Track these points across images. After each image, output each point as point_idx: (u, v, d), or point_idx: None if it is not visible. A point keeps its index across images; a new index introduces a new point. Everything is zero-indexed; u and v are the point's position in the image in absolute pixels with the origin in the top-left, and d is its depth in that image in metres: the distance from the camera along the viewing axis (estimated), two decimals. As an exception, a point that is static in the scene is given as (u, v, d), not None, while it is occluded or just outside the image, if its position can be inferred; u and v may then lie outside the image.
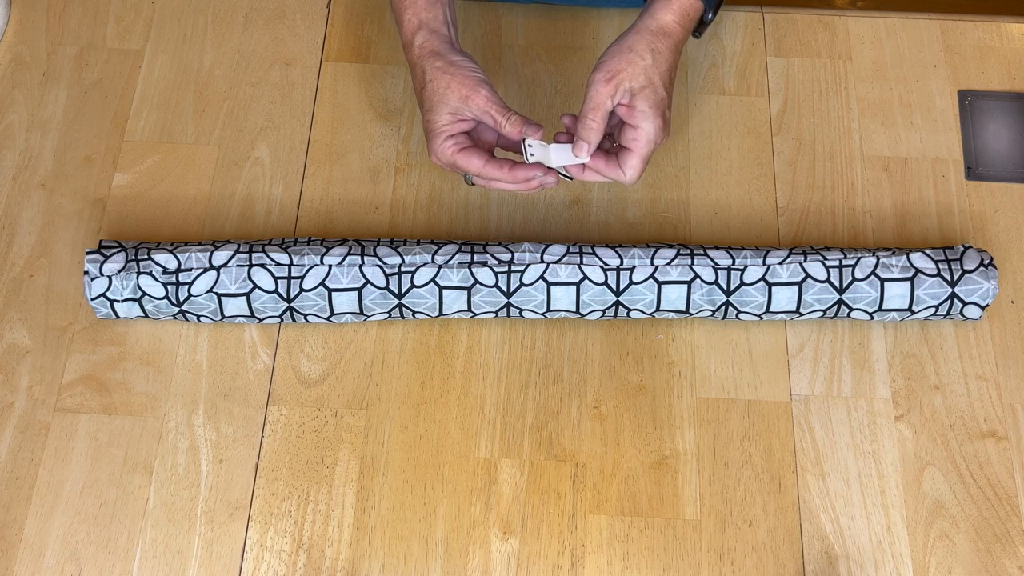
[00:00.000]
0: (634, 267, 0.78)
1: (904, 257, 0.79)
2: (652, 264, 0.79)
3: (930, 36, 0.97)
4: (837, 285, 0.79)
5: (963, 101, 0.93)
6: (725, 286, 0.79)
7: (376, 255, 0.78)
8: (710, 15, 0.75)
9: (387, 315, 0.80)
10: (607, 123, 0.73)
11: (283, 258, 0.78)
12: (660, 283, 0.78)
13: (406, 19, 0.77)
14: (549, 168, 0.75)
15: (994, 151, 0.91)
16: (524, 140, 0.74)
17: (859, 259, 0.79)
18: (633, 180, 0.72)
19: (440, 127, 0.72)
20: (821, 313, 0.80)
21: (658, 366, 0.82)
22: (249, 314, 0.79)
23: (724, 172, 0.90)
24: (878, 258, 0.79)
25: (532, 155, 0.74)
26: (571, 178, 0.76)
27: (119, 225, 0.87)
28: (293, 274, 0.78)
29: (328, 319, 0.80)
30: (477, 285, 0.78)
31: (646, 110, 0.70)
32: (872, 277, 0.79)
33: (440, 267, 0.78)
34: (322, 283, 0.78)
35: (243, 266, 0.78)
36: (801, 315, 0.80)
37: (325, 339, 0.83)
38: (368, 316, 0.80)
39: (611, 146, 0.75)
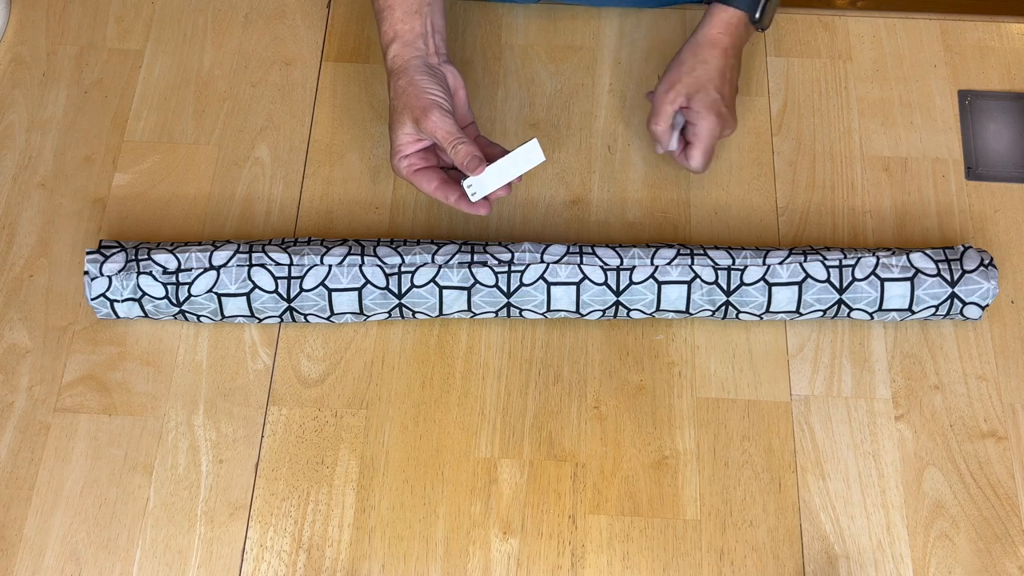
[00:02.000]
0: (634, 267, 0.78)
1: (904, 257, 0.79)
2: (652, 264, 0.79)
3: (930, 36, 0.97)
4: (837, 285, 0.79)
5: (963, 101, 0.93)
6: (725, 286, 0.79)
7: (376, 255, 0.78)
8: (757, 15, 0.83)
9: (387, 315, 0.80)
10: (673, 122, 0.84)
11: (283, 258, 0.78)
12: (660, 283, 0.78)
13: (382, 30, 0.79)
14: (497, 188, 0.77)
15: (994, 151, 0.91)
16: (463, 182, 0.76)
17: (859, 259, 0.79)
18: (699, 167, 0.83)
19: (398, 145, 0.76)
20: (821, 313, 0.80)
21: (658, 366, 0.82)
22: (249, 314, 0.79)
23: (724, 172, 0.90)
24: (878, 258, 0.79)
25: (473, 193, 0.77)
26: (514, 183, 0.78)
27: (119, 225, 0.87)
28: (293, 274, 0.78)
29: (328, 319, 0.80)
30: (477, 285, 0.78)
31: (700, 110, 0.82)
32: (872, 277, 0.79)
33: (440, 267, 0.78)
34: (322, 283, 0.78)
35: (243, 266, 0.78)
36: (801, 315, 0.80)
37: (325, 339, 0.83)
38: (368, 316, 0.80)
39: (683, 145, 0.85)
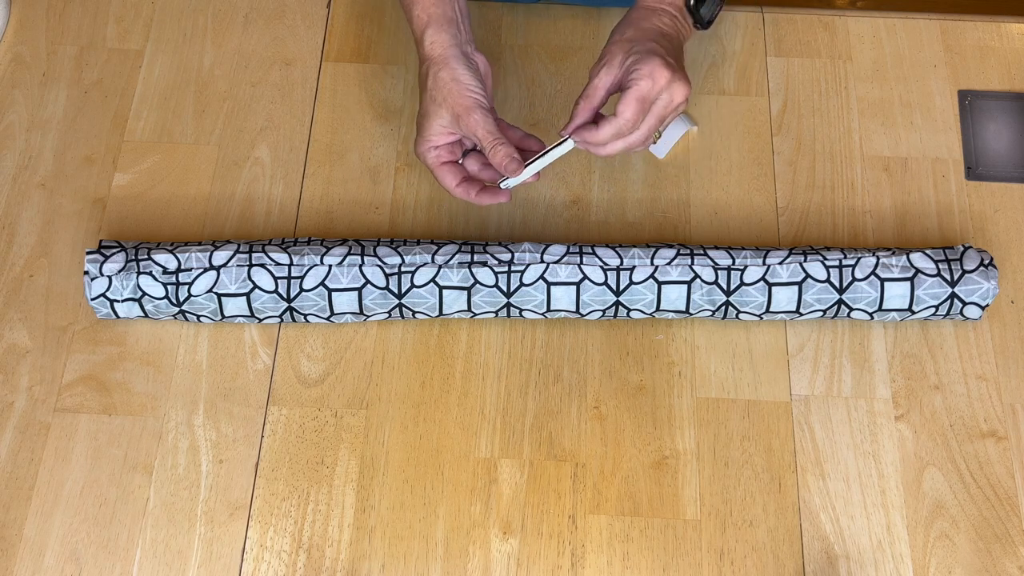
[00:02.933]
0: (634, 267, 0.78)
1: (904, 257, 0.79)
2: (652, 264, 0.79)
3: (930, 36, 0.97)
4: (837, 285, 0.79)
5: (963, 101, 0.93)
6: (725, 286, 0.79)
7: (376, 255, 0.78)
8: (691, 0, 0.75)
9: (387, 315, 0.80)
10: (601, 104, 0.73)
11: (283, 258, 0.78)
12: (660, 283, 0.78)
13: (415, 15, 0.76)
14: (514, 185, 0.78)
15: (994, 151, 0.91)
16: (500, 182, 0.77)
17: (859, 259, 0.79)
18: (627, 123, 0.69)
19: (429, 134, 0.74)
20: (821, 313, 0.80)
21: (658, 366, 0.82)
22: (249, 314, 0.79)
23: (724, 172, 0.90)
24: (878, 258, 0.79)
25: (506, 185, 0.77)
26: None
27: (119, 225, 0.87)
28: (293, 274, 0.78)
29: (328, 319, 0.80)
30: (477, 285, 0.78)
31: (638, 61, 0.69)
32: (872, 277, 0.79)
33: (440, 267, 0.78)
34: (322, 283, 0.78)
35: (243, 266, 0.78)
36: (801, 315, 0.80)
37: (325, 339, 0.83)
38: (368, 316, 0.80)
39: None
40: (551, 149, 0.77)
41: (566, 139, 0.76)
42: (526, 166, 0.75)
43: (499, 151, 0.73)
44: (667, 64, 0.69)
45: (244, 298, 0.78)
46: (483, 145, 0.74)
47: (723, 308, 0.80)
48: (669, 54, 0.70)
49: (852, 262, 0.79)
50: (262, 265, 0.78)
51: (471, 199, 0.77)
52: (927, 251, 0.80)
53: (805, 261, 0.79)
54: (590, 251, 0.79)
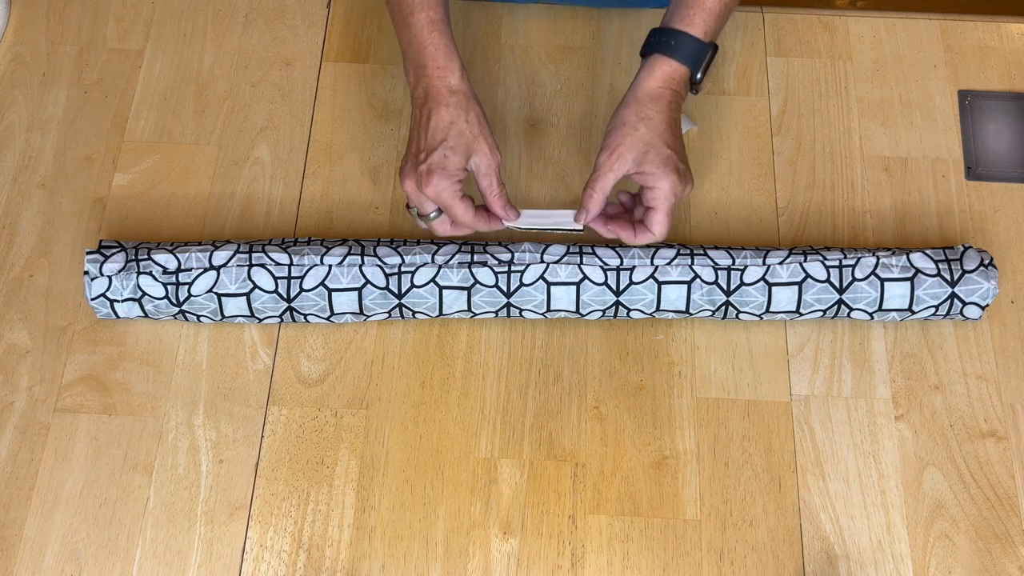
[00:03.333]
0: (634, 267, 0.78)
1: (904, 257, 0.79)
2: (652, 264, 0.79)
3: (930, 36, 0.97)
4: (837, 285, 0.79)
5: (963, 101, 0.93)
6: (725, 286, 0.79)
7: (376, 255, 0.78)
8: (699, 75, 0.75)
9: (387, 315, 0.80)
10: (611, 192, 0.76)
11: (283, 258, 0.78)
12: (660, 283, 0.78)
13: (441, 43, 0.73)
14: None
15: (994, 151, 0.91)
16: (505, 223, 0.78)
17: (859, 259, 0.79)
18: (663, 235, 0.75)
19: (454, 169, 0.72)
20: (821, 313, 0.80)
21: (658, 366, 0.82)
22: (249, 314, 0.79)
23: (724, 172, 0.90)
24: (878, 258, 0.79)
25: (511, 225, 0.79)
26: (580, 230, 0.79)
27: (119, 225, 0.87)
28: (293, 274, 0.78)
29: (328, 319, 0.80)
30: (477, 285, 0.78)
31: (655, 171, 0.73)
32: (872, 277, 0.78)
33: (440, 267, 0.78)
34: (322, 283, 0.78)
35: (243, 266, 0.78)
36: (801, 315, 0.80)
37: (325, 339, 0.83)
38: (368, 316, 0.80)
39: (643, 213, 0.77)
40: (558, 218, 0.78)
41: (579, 227, 0.77)
42: (523, 215, 0.77)
43: (503, 200, 0.75)
44: (681, 176, 0.73)
45: (244, 298, 0.78)
46: (492, 188, 0.74)
47: (723, 308, 0.80)
48: (679, 151, 0.74)
49: (852, 262, 0.79)
50: (262, 265, 0.78)
51: (482, 227, 0.76)
52: (927, 251, 0.80)
53: (805, 261, 0.79)
54: (590, 251, 0.79)
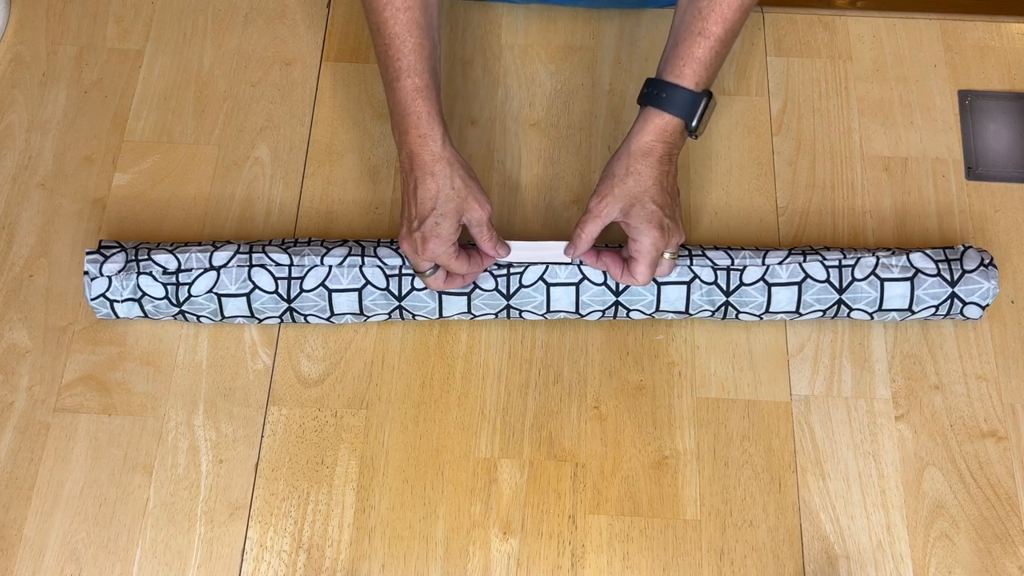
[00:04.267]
0: None
1: (904, 257, 0.79)
2: (652, 264, 0.79)
3: (930, 36, 0.97)
4: (837, 285, 0.79)
5: (963, 101, 0.93)
6: (724, 286, 0.79)
7: (377, 256, 0.78)
8: (694, 123, 0.75)
9: (387, 316, 0.80)
10: (600, 234, 0.77)
11: (283, 258, 0.78)
12: (659, 283, 0.78)
13: (424, 111, 0.74)
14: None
15: (994, 151, 0.91)
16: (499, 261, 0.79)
17: (859, 259, 0.79)
18: (644, 283, 0.76)
19: (448, 234, 0.74)
20: (821, 313, 0.80)
21: (658, 366, 0.82)
22: (249, 314, 0.79)
23: (724, 172, 0.90)
24: (878, 258, 0.79)
25: (503, 262, 0.79)
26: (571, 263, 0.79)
27: (119, 225, 0.87)
28: (293, 275, 0.78)
29: (328, 320, 0.80)
30: (477, 289, 0.78)
31: (639, 225, 0.74)
32: (872, 277, 0.78)
33: None
34: (322, 284, 0.78)
35: (243, 266, 0.78)
36: (801, 315, 0.80)
37: (325, 339, 0.83)
38: (368, 317, 0.80)
39: (626, 256, 0.77)
40: (548, 251, 0.78)
41: (568, 260, 0.78)
42: (513, 249, 0.78)
43: (495, 238, 0.76)
44: (664, 231, 0.74)
45: (244, 298, 0.78)
46: (485, 234, 0.76)
47: (723, 308, 0.80)
48: (666, 206, 0.75)
49: (852, 262, 0.79)
50: (262, 266, 0.78)
51: (478, 270, 0.77)
52: (927, 251, 0.80)
53: (804, 261, 0.79)
54: (590, 251, 0.79)
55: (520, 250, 0.78)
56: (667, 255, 0.76)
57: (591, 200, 0.76)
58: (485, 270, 0.78)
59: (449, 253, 0.74)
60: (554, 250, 0.78)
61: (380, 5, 0.75)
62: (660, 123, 0.74)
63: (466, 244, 0.78)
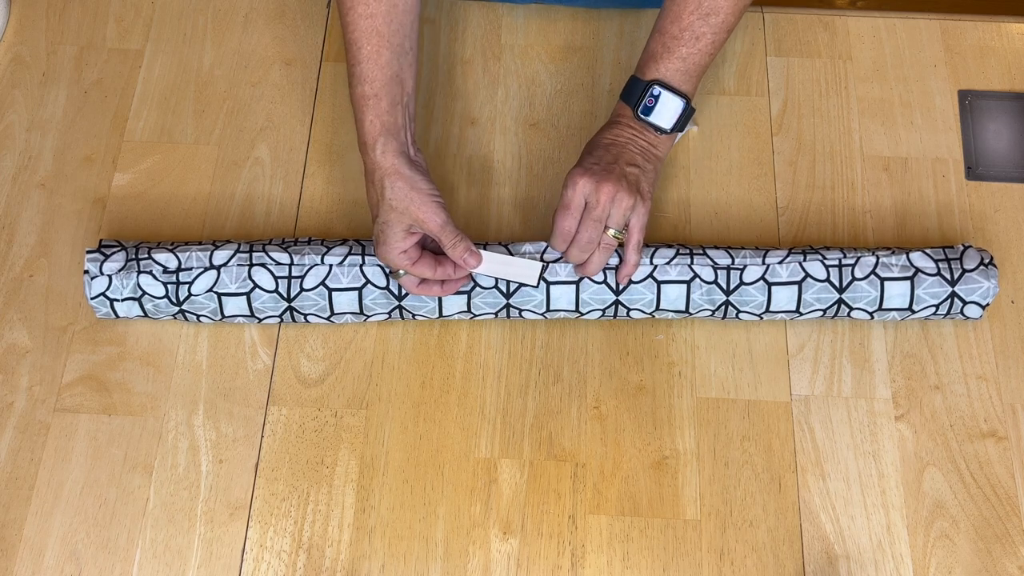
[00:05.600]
0: None
1: (904, 256, 0.79)
2: (651, 263, 0.78)
3: (930, 36, 0.97)
4: (837, 284, 0.79)
5: (963, 101, 0.93)
6: (725, 285, 0.79)
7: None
8: (637, 107, 0.77)
9: (387, 316, 0.80)
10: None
11: (283, 257, 0.78)
12: (659, 282, 0.78)
13: (368, 119, 0.76)
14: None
15: (994, 151, 0.91)
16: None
17: (859, 258, 0.79)
18: (559, 230, 0.76)
19: (395, 243, 0.75)
20: (821, 313, 0.80)
21: (658, 366, 0.82)
22: (249, 314, 0.79)
23: (724, 172, 0.90)
24: (878, 257, 0.79)
25: (475, 272, 0.78)
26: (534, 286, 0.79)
27: (119, 225, 0.87)
28: (293, 274, 0.78)
29: (328, 319, 0.80)
30: (477, 288, 0.78)
31: (572, 168, 0.76)
32: (872, 276, 0.78)
33: None
34: (322, 283, 0.78)
35: (243, 265, 0.78)
36: (801, 315, 0.80)
37: (325, 339, 0.83)
38: (368, 316, 0.80)
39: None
40: (517, 268, 0.77)
41: (537, 264, 0.77)
42: (485, 258, 0.77)
43: (459, 247, 0.76)
44: (586, 172, 0.75)
45: (244, 298, 0.78)
46: (444, 243, 0.75)
47: (723, 308, 0.80)
48: (607, 162, 0.76)
49: (852, 261, 0.79)
50: (262, 265, 0.78)
51: (451, 275, 0.77)
52: (927, 250, 0.80)
53: (804, 260, 0.79)
54: (590, 251, 0.79)
55: (490, 262, 0.77)
56: (611, 232, 0.75)
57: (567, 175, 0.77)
58: (469, 277, 0.78)
59: (404, 259, 0.75)
60: (521, 268, 0.77)
61: (345, 8, 0.77)
62: (616, 108, 0.81)
63: (437, 250, 0.77)
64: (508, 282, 0.78)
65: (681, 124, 0.78)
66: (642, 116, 0.78)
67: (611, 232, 0.75)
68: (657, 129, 0.78)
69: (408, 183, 0.75)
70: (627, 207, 0.75)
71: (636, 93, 0.78)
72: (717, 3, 0.77)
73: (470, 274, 0.78)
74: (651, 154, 0.78)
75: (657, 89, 0.77)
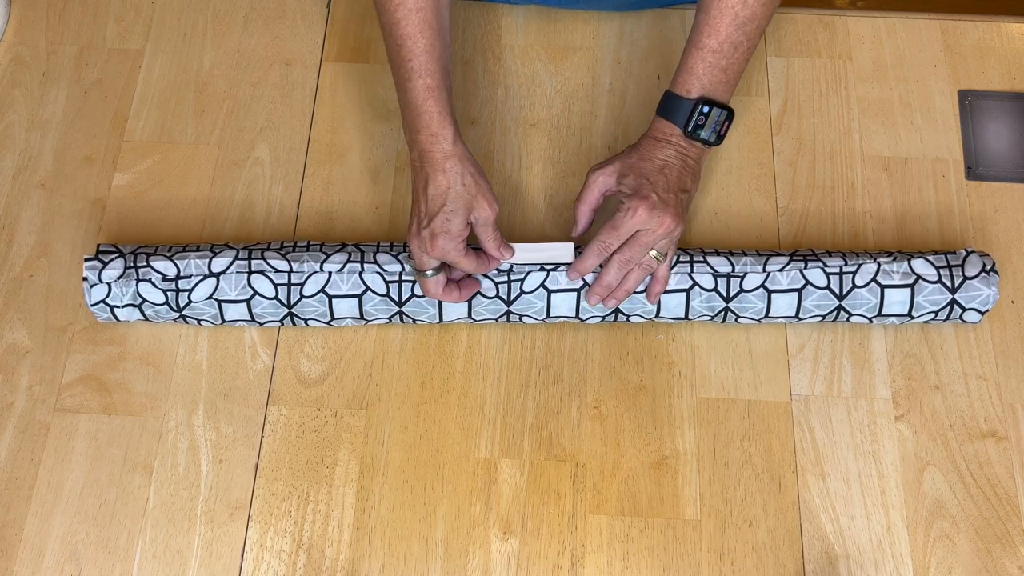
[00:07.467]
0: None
1: (906, 263, 0.79)
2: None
3: (930, 36, 0.97)
4: (837, 292, 0.78)
5: (963, 101, 0.93)
6: (724, 293, 0.78)
7: (376, 262, 0.78)
8: (688, 127, 0.77)
9: (388, 320, 0.80)
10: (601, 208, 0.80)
11: (283, 265, 0.78)
12: (659, 288, 0.78)
13: (436, 111, 0.75)
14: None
15: (994, 151, 0.91)
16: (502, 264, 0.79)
17: (860, 265, 0.79)
18: (601, 244, 0.76)
19: (458, 231, 0.74)
20: (820, 318, 0.80)
21: (658, 366, 0.82)
22: (250, 319, 0.79)
23: (724, 172, 0.90)
24: (879, 264, 0.79)
25: (506, 263, 0.79)
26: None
27: (119, 225, 0.87)
28: (293, 281, 0.78)
29: (329, 323, 0.80)
30: (478, 295, 0.78)
31: (634, 191, 0.76)
32: (872, 284, 0.78)
33: None
34: (322, 289, 0.78)
35: (242, 272, 0.78)
36: (800, 320, 0.80)
37: (325, 339, 0.83)
38: (369, 321, 0.80)
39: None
40: (551, 252, 0.78)
41: (568, 244, 0.78)
42: (517, 251, 0.78)
43: (497, 239, 0.77)
44: (650, 204, 0.75)
45: (244, 304, 0.78)
46: (487, 235, 0.76)
47: (722, 313, 0.80)
48: (663, 190, 0.76)
49: (853, 269, 0.79)
50: (262, 272, 0.78)
51: (486, 269, 0.78)
52: (929, 256, 0.79)
53: (805, 268, 0.79)
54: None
55: (523, 251, 0.78)
56: (653, 253, 0.76)
57: (590, 170, 0.79)
58: (486, 276, 0.78)
59: (458, 250, 0.75)
60: (554, 251, 0.78)
61: (392, 5, 0.75)
62: (658, 126, 0.78)
63: (470, 246, 0.78)
64: (541, 266, 0.79)
65: (726, 132, 0.78)
66: (693, 135, 0.77)
67: (653, 254, 0.76)
68: (705, 143, 0.78)
69: (477, 170, 0.75)
70: (676, 236, 0.76)
71: (684, 112, 0.77)
72: (754, 11, 0.76)
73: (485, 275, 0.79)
74: (696, 172, 0.79)
75: (707, 107, 0.76)
